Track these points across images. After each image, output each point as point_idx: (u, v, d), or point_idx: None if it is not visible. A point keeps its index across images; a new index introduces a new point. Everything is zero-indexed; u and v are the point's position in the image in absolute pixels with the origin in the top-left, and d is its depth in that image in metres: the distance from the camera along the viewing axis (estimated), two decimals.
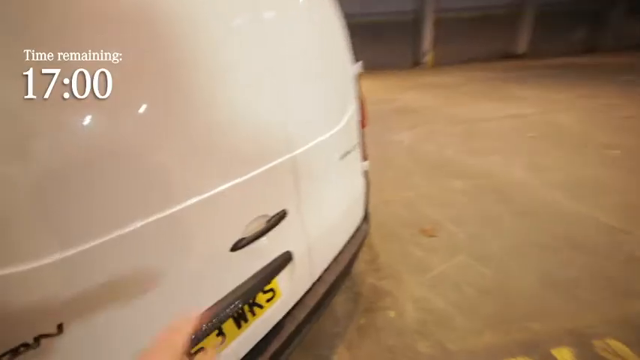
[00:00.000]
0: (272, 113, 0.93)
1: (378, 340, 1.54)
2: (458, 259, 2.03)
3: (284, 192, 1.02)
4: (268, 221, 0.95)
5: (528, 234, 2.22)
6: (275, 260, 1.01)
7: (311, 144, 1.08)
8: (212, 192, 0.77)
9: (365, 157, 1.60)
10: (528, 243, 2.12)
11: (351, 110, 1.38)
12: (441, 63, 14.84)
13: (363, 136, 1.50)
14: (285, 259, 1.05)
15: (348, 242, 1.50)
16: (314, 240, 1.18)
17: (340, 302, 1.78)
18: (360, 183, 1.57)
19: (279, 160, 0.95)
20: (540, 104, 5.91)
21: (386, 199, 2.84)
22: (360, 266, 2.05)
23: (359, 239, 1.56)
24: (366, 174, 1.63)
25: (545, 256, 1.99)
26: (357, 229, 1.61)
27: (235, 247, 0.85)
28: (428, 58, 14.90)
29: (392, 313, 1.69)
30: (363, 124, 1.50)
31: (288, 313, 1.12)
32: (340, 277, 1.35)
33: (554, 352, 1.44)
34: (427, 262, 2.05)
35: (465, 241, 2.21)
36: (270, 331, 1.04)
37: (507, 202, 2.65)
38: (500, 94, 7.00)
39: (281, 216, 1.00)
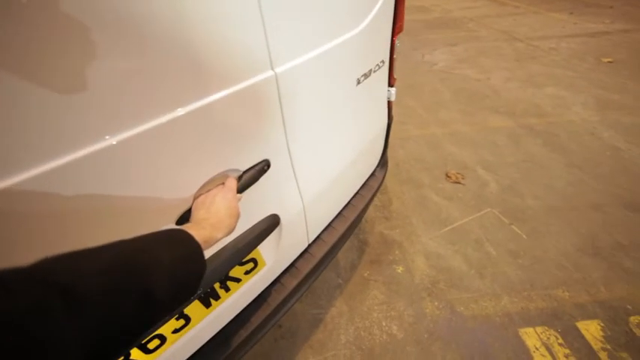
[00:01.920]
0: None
1: (381, 295, 1.41)
2: (485, 213, 1.75)
3: (263, 133, 0.67)
4: (239, 177, 0.64)
5: (579, 191, 1.84)
6: (255, 227, 0.75)
7: (305, 57, 0.67)
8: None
9: (392, 82, 1.16)
10: (577, 202, 1.77)
11: (379, 5, 0.88)
12: None
13: (394, 48, 1.03)
14: (271, 224, 0.77)
15: (358, 192, 1.22)
16: (311, 196, 0.89)
17: (343, 250, 1.62)
18: (381, 117, 1.17)
19: (250, 81, 0.57)
20: (631, 18, 4.58)
21: (407, 135, 2.42)
22: (369, 212, 1.82)
23: (372, 189, 1.26)
24: (390, 106, 1.22)
25: (594, 219, 1.67)
26: (371, 176, 1.31)
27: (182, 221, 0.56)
28: None
29: (399, 268, 1.52)
30: (398, 28, 1.00)
31: (275, 281, 0.92)
32: (345, 234, 1.11)
33: (580, 324, 1.27)
34: (447, 212, 1.78)
35: (497, 192, 1.88)
36: (251, 303, 0.85)
37: (558, 149, 2.19)
38: (571, 2, 5.48)
39: (261, 168, 0.68)
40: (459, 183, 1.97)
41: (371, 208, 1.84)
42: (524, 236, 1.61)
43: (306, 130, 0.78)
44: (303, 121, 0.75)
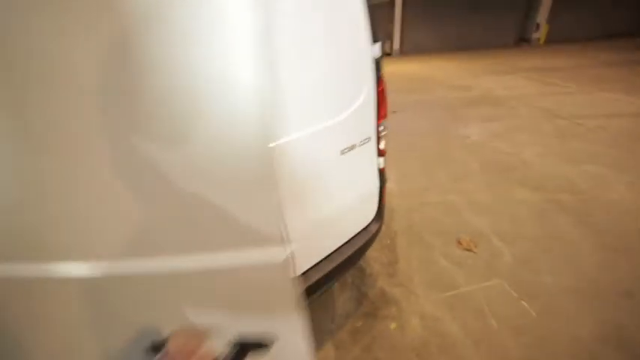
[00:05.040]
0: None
1: (369, 348, 1.46)
2: (493, 284, 1.72)
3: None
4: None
5: (609, 275, 1.70)
6: None
7: (296, 135, 1.03)
8: None
9: (382, 153, 1.45)
10: (604, 286, 1.63)
11: (363, 99, 1.25)
12: (557, 40, 12.00)
13: (381, 128, 1.35)
14: None
15: (347, 244, 1.42)
16: (295, 245, 1.15)
17: (342, 299, 1.73)
18: (371, 181, 1.44)
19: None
20: None
21: (426, 201, 2.55)
22: (373, 267, 1.94)
23: (362, 241, 1.46)
24: (381, 172, 1.49)
25: (623, 307, 1.51)
26: (365, 229, 1.51)
27: None
28: (540, 32, 12.16)
29: (393, 325, 1.56)
30: (381, 115, 1.34)
31: None
32: (324, 280, 1.30)
33: None
34: (452, 277, 1.79)
35: (510, 263, 1.84)
36: None
37: (591, 228, 2.06)
38: (629, 83, 5.30)
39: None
40: (470, 250, 1.98)
41: (376, 265, 1.96)
42: (533, 313, 1.52)
43: (296, 187, 1.10)
44: (293, 181, 1.08)
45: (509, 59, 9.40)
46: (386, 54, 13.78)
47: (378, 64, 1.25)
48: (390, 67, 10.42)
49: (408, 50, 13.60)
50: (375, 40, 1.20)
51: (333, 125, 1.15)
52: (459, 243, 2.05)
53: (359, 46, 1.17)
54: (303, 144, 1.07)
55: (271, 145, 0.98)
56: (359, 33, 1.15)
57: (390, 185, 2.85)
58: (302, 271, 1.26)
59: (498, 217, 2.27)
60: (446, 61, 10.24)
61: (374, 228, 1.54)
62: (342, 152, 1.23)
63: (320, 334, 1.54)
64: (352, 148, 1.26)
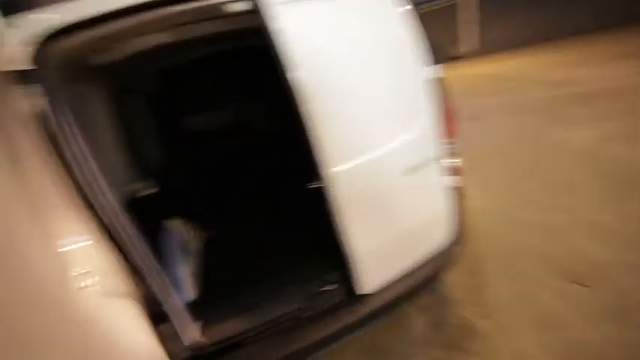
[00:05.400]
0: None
1: None
2: (617, 330, 1.36)
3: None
4: None
5: None
6: None
7: (355, 161, 1.10)
8: None
9: (456, 171, 1.38)
10: None
11: (422, 121, 1.24)
12: None
13: (451, 146, 1.31)
14: None
15: (417, 265, 1.38)
16: (357, 262, 1.20)
17: (421, 323, 1.64)
18: (439, 201, 1.38)
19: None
20: None
21: (519, 221, 2.22)
22: (456, 293, 1.78)
23: (434, 262, 1.40)
24: (457, 190, 1.41)
25: None
26: (436, 251, 1.44)
27: None
28: None
29: None
30: (449, 133, 1.30)
31: None
32: (393, 301, 1.30)
33: None
34: (557, 316, 1.50)
35: None
36: None
37: None
38: None
39: None
40: (584, 285, 1.62)
41: (459, 290, 1.79)
42: None
43: (356, 208, 1.16)
44: (353, 203, 1.14)
45: (617, 41, 7.42)
46: (457, 57, 12.75)
47: (438, 84, 1.24)
48: (466, 70, 9.58)
49: (489, 49, 12.25)
50: (435, 62, 1.21)
51: (393, 148, 1.19)
52: (568, 274, 1.70)
53: (414, 73, 1.20)
54: (364, 168, 1.13)
55: (334, 170, 1.08)
56: (413, 63, 1.19)
57: (473, 202, 2.60)
58: (370, 292, 1.28)
59: (625, 242, 1.80)
60: (533, 56, 8.77)
61: (448, 249, 1.46)
62: (404, 173, 1.24)
63: (401, 355, 1.49)
64: (415, 168, 1.26)
